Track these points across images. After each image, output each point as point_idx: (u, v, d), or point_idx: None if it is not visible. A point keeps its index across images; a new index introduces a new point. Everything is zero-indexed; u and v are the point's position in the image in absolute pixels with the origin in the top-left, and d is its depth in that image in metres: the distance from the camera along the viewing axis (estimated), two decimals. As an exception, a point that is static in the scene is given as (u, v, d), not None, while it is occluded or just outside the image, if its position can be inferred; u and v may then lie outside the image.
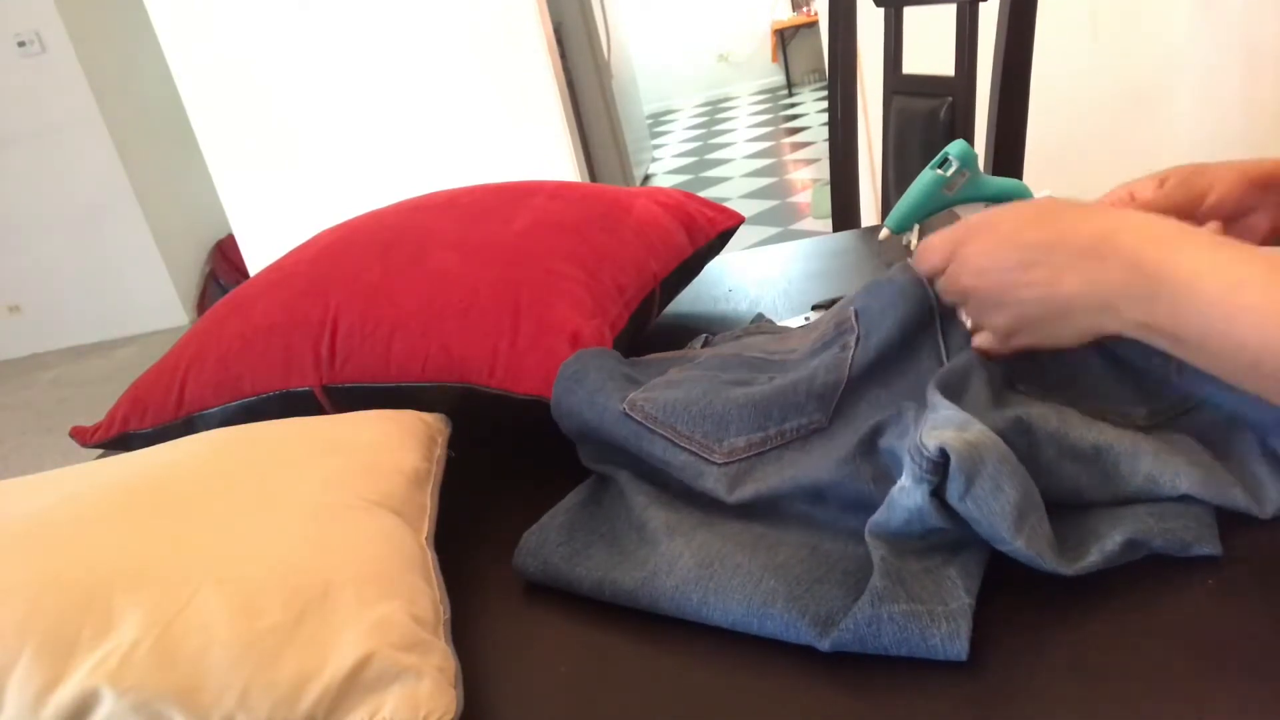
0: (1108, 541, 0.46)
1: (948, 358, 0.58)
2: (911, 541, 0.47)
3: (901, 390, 0.57)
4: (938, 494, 0.45)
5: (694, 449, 0.57)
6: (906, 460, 0.46)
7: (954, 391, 0.53)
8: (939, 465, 0.44)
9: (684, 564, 0.51)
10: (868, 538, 0.48)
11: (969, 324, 0.57)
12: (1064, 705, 0.40)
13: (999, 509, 0.44)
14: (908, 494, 0.46)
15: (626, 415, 0.59)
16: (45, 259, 4.32)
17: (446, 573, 0.54)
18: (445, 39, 2.39)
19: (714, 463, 0.56)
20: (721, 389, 0.61)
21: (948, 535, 0.47)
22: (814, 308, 0.89)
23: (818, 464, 0.54)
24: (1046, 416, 0.51)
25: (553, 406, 0.64)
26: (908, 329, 0.59)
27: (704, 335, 0.78)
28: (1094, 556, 0.46)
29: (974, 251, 0.53)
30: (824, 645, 0.44)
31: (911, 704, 0.42)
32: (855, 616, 0.44)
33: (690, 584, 0.50)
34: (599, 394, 0.62)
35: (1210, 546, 0.46)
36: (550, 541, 0.57)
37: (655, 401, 0.59)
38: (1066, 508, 0.50)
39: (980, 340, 0.56)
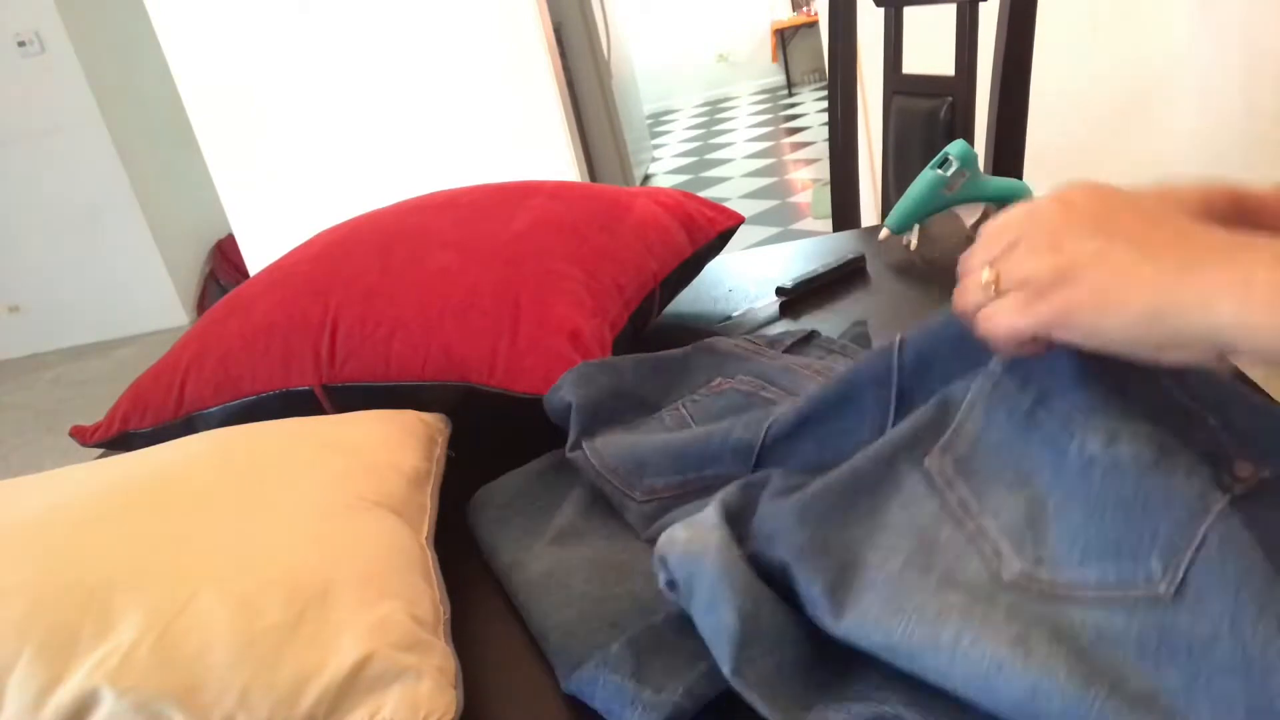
0: (831, 715, 0.39)
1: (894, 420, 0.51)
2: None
3: (832, 450, 0.52)
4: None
5: (618, 484, 0.59)
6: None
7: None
8: (662, 562, 0.45)
9: (536, 567, 0.54)
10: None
11: (985, 279, 0.42)
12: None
13: (709, 629, 0.42)
14: (657, 576, 0.46)
15: (579, 446, 0.61)
16: (45, 259, 4.32)
17: (446, 573, 0.54)
18: (445, 39, 2.39)
19: (634, 499, 0.58)
20: (654, 431, 0.62)
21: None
22: (777, 291, 0.92)
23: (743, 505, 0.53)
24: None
25: (545, 403, 0.66)
26: (854, 378, 0.53)
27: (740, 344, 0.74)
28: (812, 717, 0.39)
29: (1081, 189, 0.41)
30: (563, 686, 0.46)
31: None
32: (581, 672, 0.45)
33: (523, 585, 0.53)
34: (576, 424, 0.63)
35: None
36: (494, 500, 0.62)
37: (606, 439, 0.61)
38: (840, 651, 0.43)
39: (994, 308, 0.42)
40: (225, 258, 4.51)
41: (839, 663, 0.42)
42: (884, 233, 0.95)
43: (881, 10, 1.32)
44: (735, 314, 0.92)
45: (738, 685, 0.40)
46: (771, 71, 7.60)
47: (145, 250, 4.31)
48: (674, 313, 0.95)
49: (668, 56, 7.55)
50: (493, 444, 0.76)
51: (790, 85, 7.35)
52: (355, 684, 0.43)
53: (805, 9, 7.16)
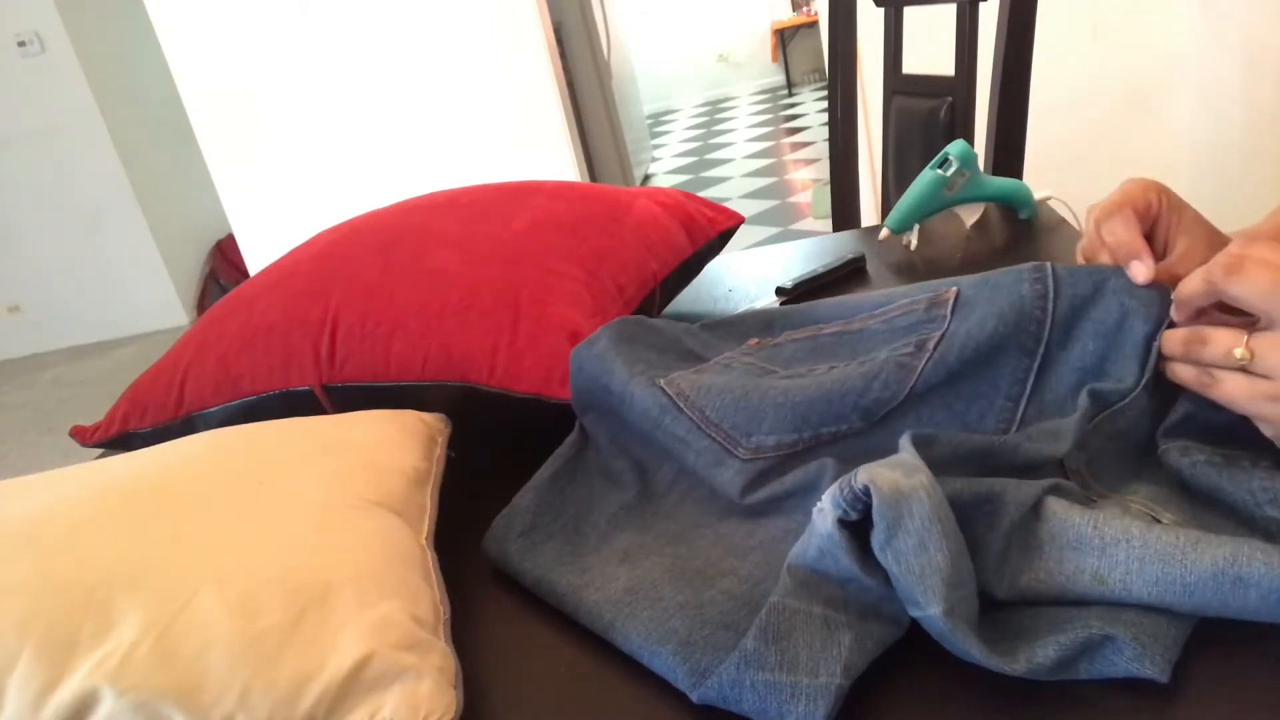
0: (1039, 652, 0.40)
1: (1029, 398, 0.52)
2: (826, 585, 0.44)
3: (959, 415, 0.52)
4: (861, 537, 0.42)
5: (718, 437, 0.55)
6: (832, 488, 0.43)
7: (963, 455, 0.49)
8: (859, 501, 0.42)
9: (614, 585, 0.51)
10: (784, 572, 0.45)
11: (1239, 356, 0.43)
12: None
13: (918, 568, 0.40)
14: (823, 517, 0.43)
15: (658, 387, 0.57)
16: (45, 259, 4.32)
17: (446, 573, 0.54)
18: (445, 39, 2.39)
19: (736, 456, 0.54)
20: (763, 381, 0.57)
21: (869, 595, 0.43)
22: (777, 291, 0.90)
23: (837, 467, 0.51)
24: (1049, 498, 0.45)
25: (572, 358, 0.62)
26: (1000, 342, 0.52)
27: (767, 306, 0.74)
28: (1019, 665, 0.40)
29: None
30: (694, 697, 0.43)
31: None
32: (721, 676, 0.42)
33: (607, 605, 0.49)
34: (635, 364, 0.59)
35: (1153, 668, 0.39)
36: (515, 528, 0.57)
37: (692, 381, 0.57)
38: (1005, 604, 0.44)
39: (1231, 382, 0.44)
40: (225, 258, 4.52)
41: (1017, 610, 0.43)
42: (884, 233, 0.95)
43: (881, 10, 1.32)
44: (730, 316, 0.91)
45: (948, 624, 0.39)
46: (771, 71, 7.60)
47: (145, 250, 4.31)
48: (674, 313, 0.95)
49: (668, 56, 7.55)
50: (493, 444, 0.76)
51: (790, 85, 7.35)
52: (355, 684, 0.43)
53: (805, 9, 7.17)
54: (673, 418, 0.56)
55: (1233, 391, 0.44)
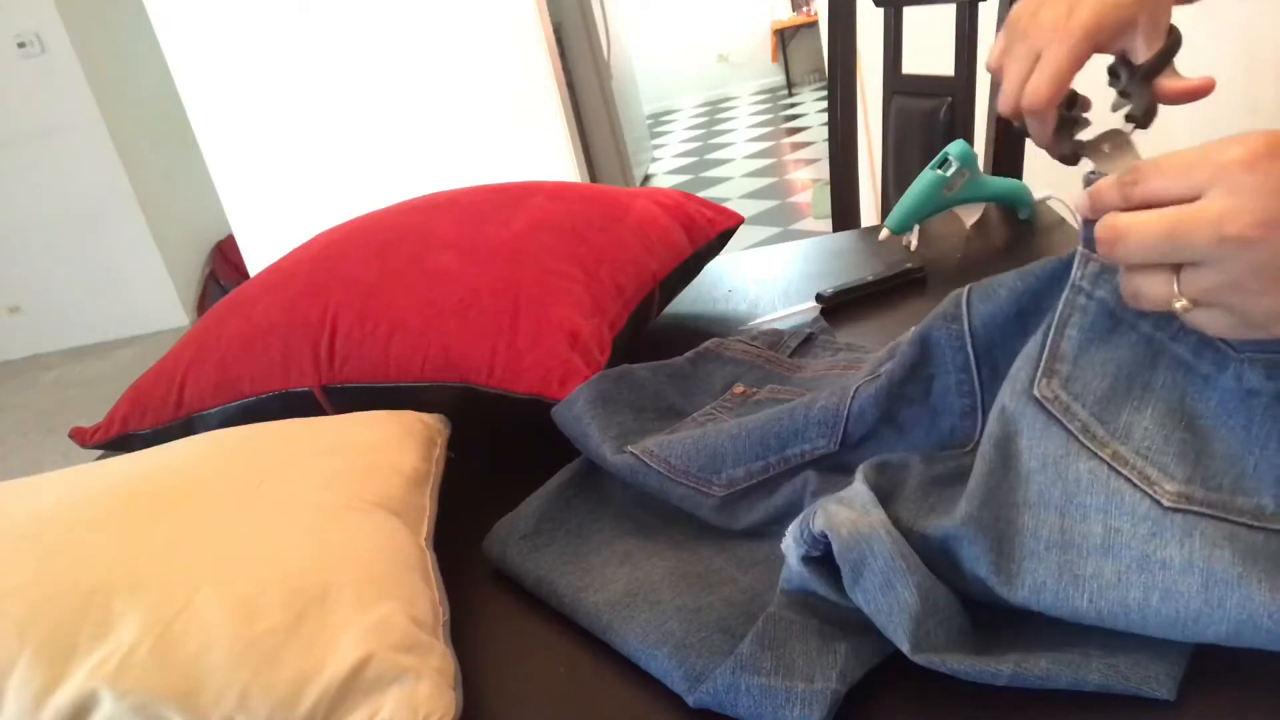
0: (1030, 661, 0.40)
1: (983, 405, 0.51)
2: (823, 604, 0.44)
3: (912, 428, 0.53)
4: (833, 569, 0.42)
5: (689, 483, 0.56)
6: (794, 524, 0.44)
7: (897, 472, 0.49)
8: (819, 543, 0.42)
9: (614, 588, 0.51)
10: (779, 591, 0.45)
11: (1179, 307, 0.39)
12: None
13: (887, 608, 0.40)
14: (790, 554, 0.44)
15: (627, 453, 0.58)
16: (45, 259, 4.32)
17: (446, 573, 0.54)
18: (445, 39, 2.39)
19: (713, 494, 0.55)
20: (720, 424, 0.59)
21: (859, 615, 0.43)
22: (817, 298, 0.89)
23: (825, 488, 0.52)
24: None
25: (554, 415, 0.64)
26: (932, 347, 0.53)
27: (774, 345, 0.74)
28: (1006, 667, 0.39)
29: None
30: (690, 700, 0.43)
31: None
32: (716, 680, 0.42)
33: (606, 607, 0.50)
34: (609, 429, 0.60)
35: (1162, 689, 0.38)
36: (518, 530, 0.58)
37: (660, 441, 0.58)
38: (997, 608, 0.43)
39: (1200, 316, 0.39)
40: (225, 258, 4.51)
41: (1008, 625, 0.43)
42: (884, 233, 0.95)
43: (881, 10, 1.32)
44: (765, 319, 0.88)
45: (921, 659, 0.40)
46: (771, 71, 7.60)
47: (145, 250, 4.31)
48: (674, 313, 0.95)
49: (668, 56, 7.55)
50: (492, 444, 0.76)
51: (790, 85, 7.35)
52: (354, 685, 0.43)
53: (805, 9, 7.16)
54: (644, 475, 0.57)
55: (1199, 323, 0.40)
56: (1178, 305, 0.39)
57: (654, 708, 0.45)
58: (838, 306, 0.88)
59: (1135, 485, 0.41)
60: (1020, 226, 0.99)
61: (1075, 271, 0.46)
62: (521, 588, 0.56)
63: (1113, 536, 0.40)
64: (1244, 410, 0.41)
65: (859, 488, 0.46)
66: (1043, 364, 0.45)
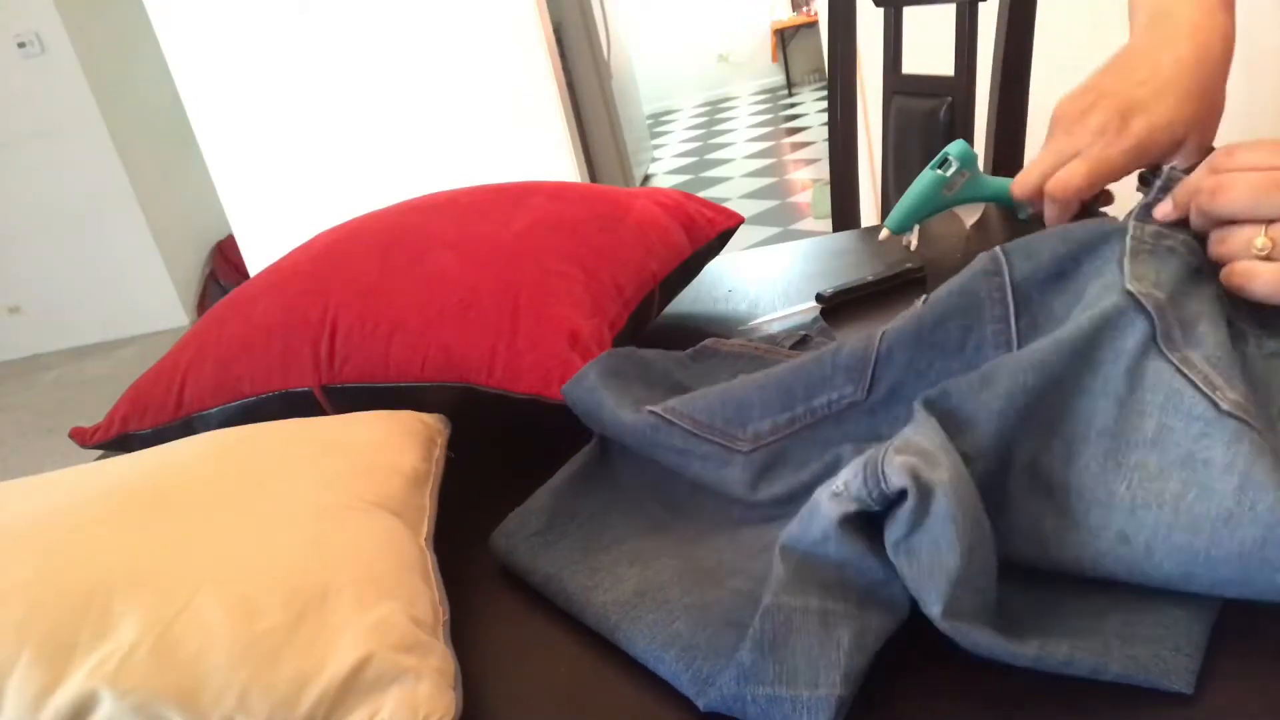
0: (1052, 645, 0.40)
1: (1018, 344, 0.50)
2: (823, 569, 0.42)
3: (947, 365, 0.51)
4: (866, 520, 0.42)
5: (715, 438, 0.54)
6: (859, 472, 0.42)
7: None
8: (886, 498, 0.41)
9: (624, 587, 0.50)
10: (777, 557, 0.43)
11: (1259, 246, 0.44)
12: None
13: (928, 569, 0.40)
14: (838, 501, 0.42)
15: (646, 411, 0.57)
16: (45, 259, 4.33)
17: (446, 573, 0.54)
18: (445, 39, 2.39)
19: (739, 451, 0.53)
20: (741, 378, 0.57)
21: (867, 577, 0.42)
22: (817, 298, 0.89)
23: (854, 456, 0.50)
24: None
25: (564, 394, 0.63)
26: (970, 293, 0.51)
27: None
28: (1030, 650, 0.39)
29: None
30: (700, 703, 0.43)
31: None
32: (722, 689, 0.42)
33: (614, 607, 0.49)
34: (623, 397, 0.59)
35: (1180, 683, 0.39)
36: (528, 527, 0.57)
37: (680, 399, 0.57)
38: (1028, 576, 0.44)
39: (1262, 271, 0.44)
40: (225, 258, 4.52)
41: (1029, 613, 0.43)
42: (884, 233, 0.95)
43: (881, 10, 1.32)
44: (765, 319, 0.88)
45: (947, 624, 0.39)
46: (771, 71, 7.61)
47: (145, 250, 4.31)
48: (674, 313, 0.95)
49: (668, 56, 7.55)
50: (492, 444, 0.76)
51: (790, 85, 7.36)
52: (354, 685, 0.43)
53: (805, 9, 7.17)
54: (666, 433, 0.56)
55: (1272, 285, 0.44)
56: (1258, 241, 0.43)
57: (654, 708, 0.45)
58: (838, 307, 0.88)
59: (1198, 389, 0.42)
60: (1020, 227, 0.99)
61: (1132, 227, 0.48)
62: (523, 587, 0.56)
63: (1164, 434, 0.42)
64: (1267, 371, 0.45)
65: (930, 428, 0.44)
66: (1128, 269, 0.47)
